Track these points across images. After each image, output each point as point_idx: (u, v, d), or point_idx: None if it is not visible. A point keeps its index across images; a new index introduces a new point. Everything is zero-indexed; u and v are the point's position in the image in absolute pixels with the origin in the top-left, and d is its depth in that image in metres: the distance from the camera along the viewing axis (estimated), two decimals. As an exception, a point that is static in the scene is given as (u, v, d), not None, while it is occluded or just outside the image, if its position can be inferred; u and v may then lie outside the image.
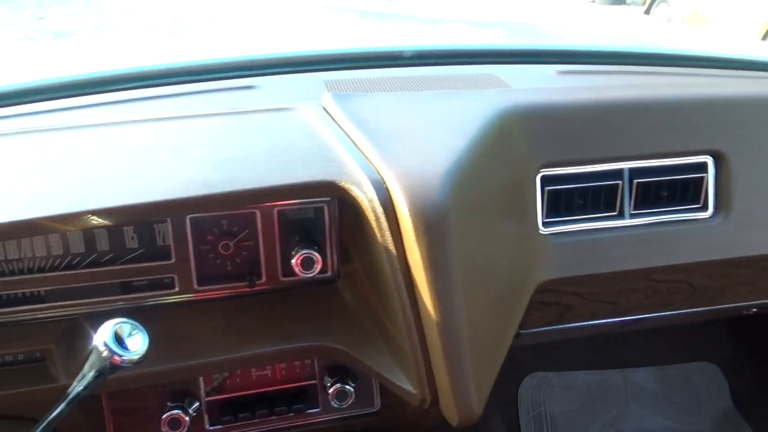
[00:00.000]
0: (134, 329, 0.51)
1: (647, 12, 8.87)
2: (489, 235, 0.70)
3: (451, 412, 0.60)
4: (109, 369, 0.49)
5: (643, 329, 1.59)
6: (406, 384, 0.65)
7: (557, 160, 0.82)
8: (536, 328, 0.95)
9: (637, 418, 1.51)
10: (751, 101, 0.90)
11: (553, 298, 0.92)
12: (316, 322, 0.75)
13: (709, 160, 0.86)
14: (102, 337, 0.49)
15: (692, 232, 0.87)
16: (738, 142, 0.87)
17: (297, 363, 0.81)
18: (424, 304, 0.59)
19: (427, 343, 0.60)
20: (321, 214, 0.74)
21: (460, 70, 1.02)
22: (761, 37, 6.45)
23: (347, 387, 0.77)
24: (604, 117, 0.84)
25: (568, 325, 0.97)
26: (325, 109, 0.80)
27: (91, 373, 0.49)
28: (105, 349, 0.48)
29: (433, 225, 0.58)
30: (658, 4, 8.55)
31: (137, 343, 0.50)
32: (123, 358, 0.49)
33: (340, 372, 0.79)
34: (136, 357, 0.50)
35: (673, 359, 1.63)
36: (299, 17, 2.23)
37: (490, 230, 0.70)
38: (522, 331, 0.95)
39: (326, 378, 0.79)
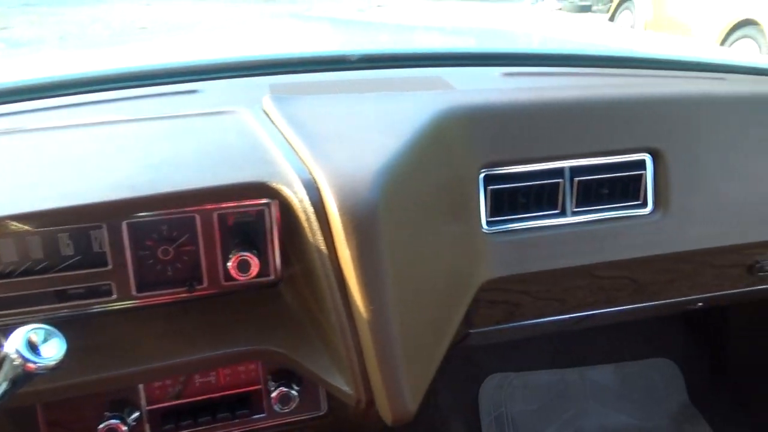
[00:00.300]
0: (49, 335, 0.49)
1: (611, 18, 9.06)
2: (427, 234, 0.70)
3: (385, 411, 0.60)
4: (23, 377, 0.47)
5: (601, 326, 1.62)
6: (342, 385, 0.64)
7: (499, 159, 0.83)
8: (486, 327, 0.96)
9: (596, 416, 1.52)
10: (688, 100, 0.92)
11: (501, 296, 0.92)
12: (258, 325, 0.74)
13: (647, 158, 0.88)
14: (13, 344, 0.47)
15: (632, 228, 0.88)
16: (675, 140, 0.88)
17: (241, 369, 0.80)
18: (356, 303, 0.59)
19: (361, 342, 0.60)
20: (262, 217, 0.74)
21: (406, 73, 1.02)
22: (719, 42, 6.64)
23: (291, 391, 0.76)
24: (544, 116, 0.85)
25: (517, 323, 0.97)
26: (265, 111, 0.79)
27: (4, 384, 0.47)
28: (17, 357, 0.47)
29: (362, 223, 0.58)
30: (622, 11, 8.75)
31: (53, 348, 0.49)
32: (37, 365, 0.48)
33: (285, 376, 0.78)
34: (52, 363, 0.48)
35: (632, 356, 1.65)
36: (263, 25, 2.22)
37: (427, 229, 0.70)
38: (472, 331, 0.96)
39: (270, 383, 0.78)
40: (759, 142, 0.92)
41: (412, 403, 0.60)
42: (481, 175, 0.82)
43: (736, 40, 6.55)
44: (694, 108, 0.91)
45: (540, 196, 0.85)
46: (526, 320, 0.97)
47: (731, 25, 6.55)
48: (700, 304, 1.14)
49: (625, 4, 8.65)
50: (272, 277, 0.76)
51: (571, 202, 0.86)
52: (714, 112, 0.91)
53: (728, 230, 0.91)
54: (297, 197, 0.62)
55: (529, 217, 0.85)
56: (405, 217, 0.65)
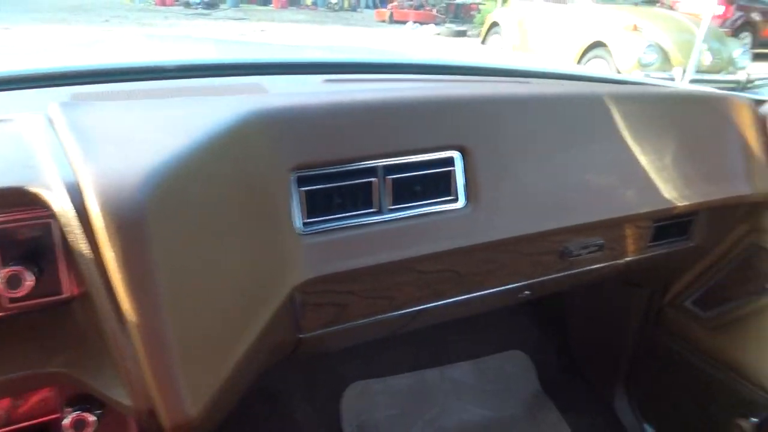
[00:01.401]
0: None
1: (483, 42, 9.67)
2: (222, 236, 0.68)
3: (163, 418, 0.57)
4: None
5: (459, 325, 1.68)
6: (123, 398, 0.60)
7: (311, 160, 0.83)
8: (316, 330, 0.95)
9: (456, 412, 1.57)
10: (493, 100, 0.97)
11: (327, 298, 0.92)
12: (44, 347, 0.68)
13: (456, 155, 0.91)
14: None
15: (447, 222, 0.91)
16: (481, 138, 0.92)
17: (36, 397, 0.73)
18: (126, 310, 0.56)
19: (135, 349, 0.57)
20: (48, 231, 0.68)
21: (226, 81, 1.01)
22: (576, 61, 7.29)
23: (89, 416, 0.71)
24: (356, 117, 0.86)
25: (348, 324, 0.98)
26: (49, 118, 0.74)
27: None
28: None
29: (127, 223, 0.55)
30: (492, 35, 9.37)
31: None
32: None
33: (83, 400, 0.72)
34: None
35: (489, 350, 1.73)
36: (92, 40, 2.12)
37: (223, 232, 0.69)
38: (302, 336, 0.95)
39: (66, 408, 0.72)
40: (558, 137, 0.99)
41: (192, 408, 0.57)
42: (293, 177, 0.82)
43: (590, 59, 7.24)
44: (498, 107, 0.96)
45: (355, 195, 0.86)
46: (356, 320, 0.97)
47: (585, 47, 7.22)
48: (527, 292, 1.21)
49: (494, 29, 9.28)
50: (65, 294, 0.70)
51: (386, 200, 0.88)
52: (517, 111, 0.97)
53: (535, 219, 0.96)
54: (58, 201, 0.58)
55: (345, 216, 0.85)
56: (190, 219, 0.63)
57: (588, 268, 1.16)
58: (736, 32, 9.95)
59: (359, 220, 0.86)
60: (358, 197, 0.87)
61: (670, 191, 1.07)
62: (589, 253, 1.13)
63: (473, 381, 1.64)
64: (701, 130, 1.13)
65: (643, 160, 1.05)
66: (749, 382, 1.30)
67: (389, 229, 0.88)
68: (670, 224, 1.20)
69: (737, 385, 1.32)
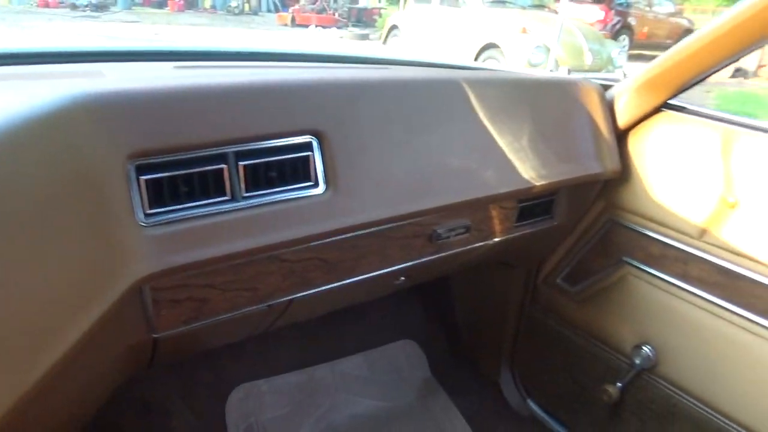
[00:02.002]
0: None
1: (384, 42, 9.82)
2: (37, 228, 0.63)
3: None
4: None
5: (347, 318, 1.67)
6: None
7: (152, 148, 0.78)
8: (175, 329, 0.90)
9: (347, 406, 1.56)
10: (349, 85, 0.96)
11: (183, 293, 0.88)
12: None
13: (313, 140, 0.90)
14: None
15: (307, 208, 0.89)
16: (338, 122, 0.91)
17: None
18: None
19: None
20: None
21: (61, 68, 0.94)
22: (474, 59, 7.57)
23: None
24: (203, 102, 0.82)
25: (209, 320, 0.94)
26: None
27: None
28: None
29: None
30: (392, 37, 9.55)
31: None
32: None
33: None
34: None
35: (379, 341, 1.73)
36: None
37: (38, 224, 0.63)
38: (158, 335, 0.90)
39: None
40: (416, 120, 1.00)
41: None
42: (131, 165, 0.77)
43: (485, 59, 7.55)
44: (354, 91, 0.95)
45: (205, 183, 0.82)
46: (219, 315, 0.94)
47: (479, 48, 7.53)
48: (402, 278, 1.22)
49: (394, 32, 9.46)
50: None
51: (240, 187, 0.85)
52: (373, 95, 0.97)
53: (396, 202, 0.96)
54: None
55: (195, 206, 0.81)
56: (5, 209, 0.57)
57: (458, 250, 1.19)
58: (615, 35, 10.77)
59: (211, 208, 0.82)
60: (209, 185, 0.83)
61: (529, 171, 1.12)
62: (457, 235, 1.15)
63: (364, 373, 1.63)
64: (554, 113, 1.19)
65: (501, 142, 1.09)
66: (612, 350, 1.39)
67: (245, 217, 0.85)
68: (533, 204, 1.26)
69: (603, 353, 1.41)
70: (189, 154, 0.81)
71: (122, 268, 0.73)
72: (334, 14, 15.93)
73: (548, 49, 6.80)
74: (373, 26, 14.71)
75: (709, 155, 1.17)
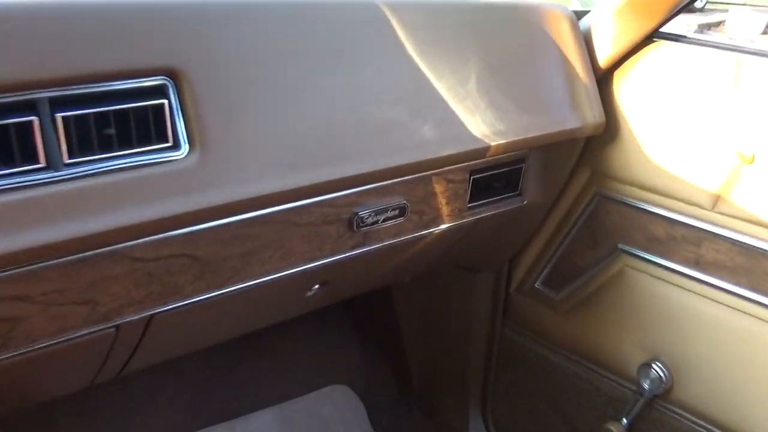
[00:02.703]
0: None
1: None
2: None
3: None
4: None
5: (257, 352, 1.62)
6: None
7: None
8: None
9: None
10: (218, 3, 0.93)
11: None
12: None
13: (167, 83, 0.86)
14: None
15: (163, 179, 0.85)
16: (202, 57, 0.88)
17: None
18: None
19: None
20: None
21: None
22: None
23: None
24: None
25: (25, 350, 0.88)
26: None
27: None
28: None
29: None
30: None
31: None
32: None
33: None
34: None
35: (297, 388, 1.69)
36: None
37: None
38: None
39: None
40: (322, 54, 0.98)
41: None
42: None
43: None
44: (229, 13, 0.92)
45: (5, 144, 0.77)
46: (37, 342, 0.88)
47: None
48: (316, 286, 1.19)
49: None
50: None
51: (60, 150, 0.80)
52: (258, 18, 0.94)
53: (295, 169, 0.93)
54: None
55: None
56: None
57: (392, 242, 1.16)
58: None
59: (15, 180, 0.77)
60: (12, 147, 0.77)
61: (480, 126, 1.11)
62: (389, 219, 1.12)
63: (281, 432, 1.59)
64: (513, 48, 1.19)
65: (441, 86, 1.08)
66: (613, 374, 1.39)
67: (69, 193, 0.79)
68: (491, 176, 1.25)
69: (601, 380, 1.41)
70: None
71: None
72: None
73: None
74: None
75: (717, 97, 1.19)
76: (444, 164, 1.11)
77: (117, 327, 0.94)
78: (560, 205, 1.42)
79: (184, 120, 0.87)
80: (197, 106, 0.87)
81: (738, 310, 1.20)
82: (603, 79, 1.30)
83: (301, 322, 1.56)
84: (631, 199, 1.31)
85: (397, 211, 1.13)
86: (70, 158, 0.81)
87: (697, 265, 1.24)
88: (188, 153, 0.87)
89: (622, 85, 1.29)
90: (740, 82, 1.17)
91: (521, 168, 1.30)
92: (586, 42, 1.29)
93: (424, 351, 1.73)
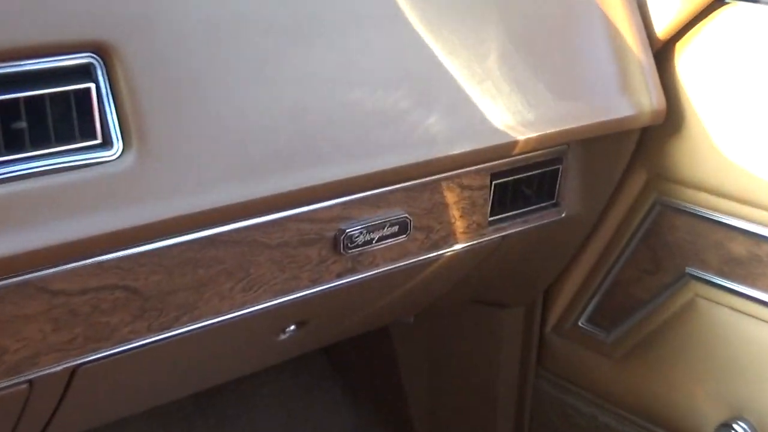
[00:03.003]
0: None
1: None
2: None
3: None
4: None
5: (208, 413, 1.62)
6: None
7: None
8: None
9: None
10: None
11: None
12: None
13: (94, 61, 0.88)
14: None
15: (88, 187, 0.86)
16: (138, 27, 0.90)
17: None
18: None
19: None
20: None
21: None
22: None
23: None
24: None
25: None
26: None
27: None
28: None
29: None
30: None
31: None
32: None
33: None
34: None
35: None
36: None
37: None
38: None
39: None
40: (297, 22, 1.00)
41: None
42: None
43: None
44: None
45: None
46: None
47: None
48: (291, 327, 1.19)
49: None
50: None
51: None
52: None
53: (264, 171, 0.95)
54: None
55: None
56: None
57: (389, 268, 1.17)
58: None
59: None
60: None
61: (503, 115, 1.11)
62: (386, 238, 1.13)
63: None
64: (545, 13, 1.21)
65: (451, 64, 1.09)
66: None
67: None
68: (519, 180, 1.25)
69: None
70: None
71: None
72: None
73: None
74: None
75: None
76: (457, 165, 1.12)
77: (30, 382, 0.95)
78: (609, 217, 1.42)
79: (116, 110, 0.89)
80: (133, 92, 0.89)
81: None
82: (662, 53, 1.31)
83: (272, 375, 1.56)
84: (701, 209, 1.31)
85: (396, 228, 1.14)
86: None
87: None
88: (122, 153, 0.88)
89: (687, 60, 1.30)
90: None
91: (558, 170, 1.31)
92: (639, 6, 1.29)
93: (435, 412, 1.73)
